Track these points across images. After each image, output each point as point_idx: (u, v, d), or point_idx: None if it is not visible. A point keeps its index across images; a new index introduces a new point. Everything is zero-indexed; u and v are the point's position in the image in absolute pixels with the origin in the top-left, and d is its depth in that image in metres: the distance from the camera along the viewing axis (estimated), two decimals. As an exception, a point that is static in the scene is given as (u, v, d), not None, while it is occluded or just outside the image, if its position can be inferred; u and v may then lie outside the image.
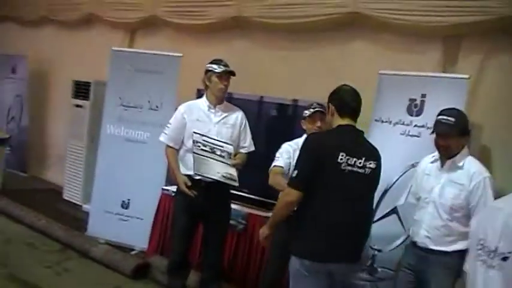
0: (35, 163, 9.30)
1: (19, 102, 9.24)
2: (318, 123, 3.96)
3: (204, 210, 4.23)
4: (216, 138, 4.16)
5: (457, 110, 3.39)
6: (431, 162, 3.48)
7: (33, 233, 6.16)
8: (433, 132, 3.36)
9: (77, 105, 7.63)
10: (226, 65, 4.24)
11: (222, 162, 4.11)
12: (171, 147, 4.31)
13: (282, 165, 3.99)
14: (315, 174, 3.04)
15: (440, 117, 3.35)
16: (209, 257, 4.42)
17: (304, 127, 4.09)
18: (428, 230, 3.34)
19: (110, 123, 6.13)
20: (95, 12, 8.13)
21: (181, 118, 4.27)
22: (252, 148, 4.44)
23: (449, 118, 3.29)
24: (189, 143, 4.17)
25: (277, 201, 3.29)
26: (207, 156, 4.07)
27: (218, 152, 4.11)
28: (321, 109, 3.96)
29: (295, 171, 3.12)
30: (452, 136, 3.28)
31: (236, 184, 4.14)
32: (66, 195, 7.84)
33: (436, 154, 3.45)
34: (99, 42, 7.93)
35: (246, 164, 4.36)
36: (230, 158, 4.12)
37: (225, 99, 4.41)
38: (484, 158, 4.28)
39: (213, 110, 4.28)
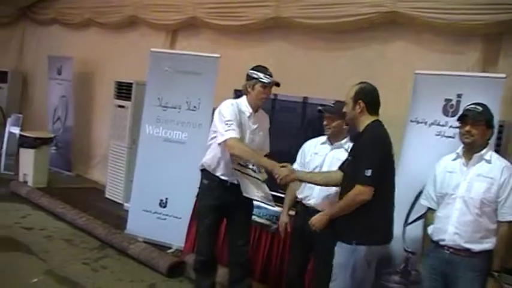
0: (79, 162, 9.51)
1: (64, 103, 9.45)
2: (324, 122, 4.09)
3: (228, 208, 4.26)
4: None
5: (484, 104, 3.43)
6: (453, 160, 3.50)
7: (74, 230, 6.30)
8: (460, 118, 3.39)
9: (119, 106, 7.76)
10: (271, 75, 4.20)
11: (256, 178, 4.14)
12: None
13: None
14: (384, 169, 3.36)
15: (468, 106, 3.44)
16: (235, 255, 4.39)
17: None
18: (457, 226, 3.32)
19: (148, 124, 6.22)
20: (137, 15, 8.30)
21: (238, 114, 4.14)
22: (268, 150, 4.46)
23: (477, 107, 3.39)
24: None
25: (347, 198, 3.39)
26: (243, 173, 4.11)
27: (250, 166, 4.14)
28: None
29: (369, 170, 3.27)
30: (480, 123, 3.33)
31: (272, 204, 4.25)
32: (108, 194, 7.99)
33: (460, 150, 3.48)
34: (142, 43, 8.06)
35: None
36: (260, 171, 4.13)
37: (270, 101, 4.37)
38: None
39: (252, 118, 4.25)
